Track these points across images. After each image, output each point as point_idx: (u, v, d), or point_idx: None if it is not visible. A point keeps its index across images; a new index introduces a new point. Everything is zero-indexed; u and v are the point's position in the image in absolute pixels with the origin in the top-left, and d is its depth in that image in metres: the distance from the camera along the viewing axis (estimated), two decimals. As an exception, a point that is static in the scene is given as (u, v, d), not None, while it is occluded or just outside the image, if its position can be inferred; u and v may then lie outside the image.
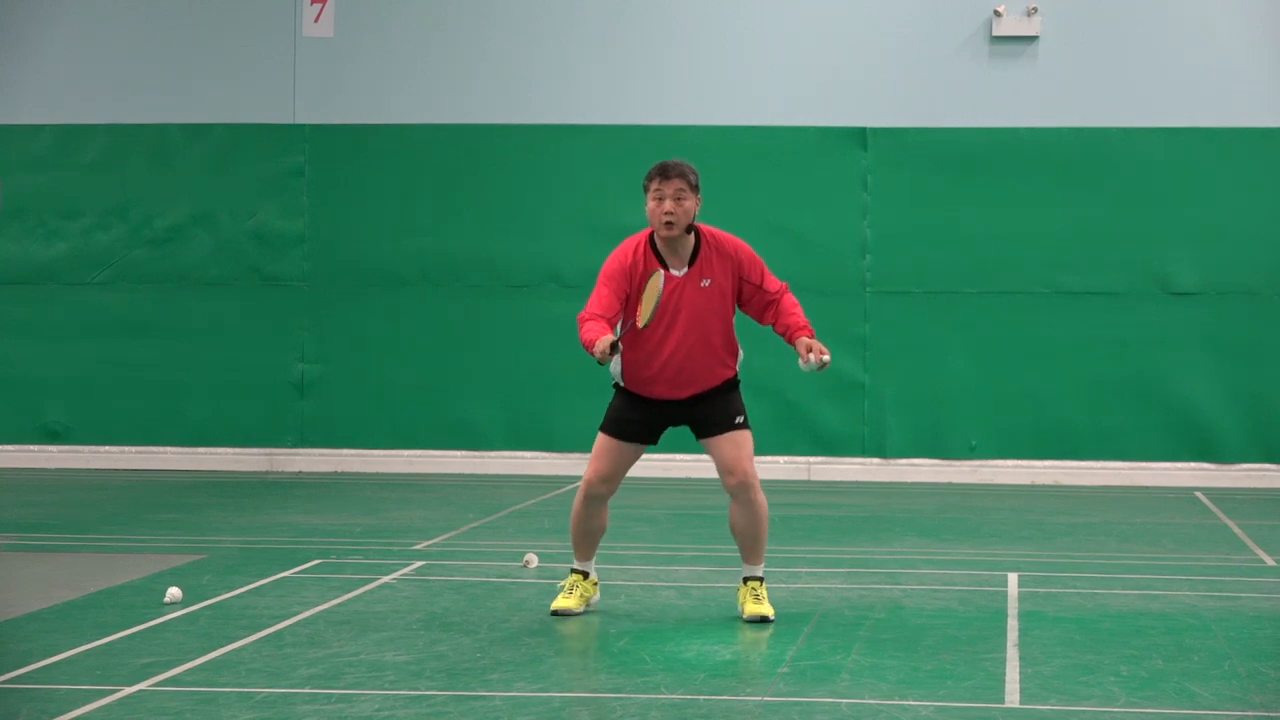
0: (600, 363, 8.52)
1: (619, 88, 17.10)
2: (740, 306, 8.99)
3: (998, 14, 16.69)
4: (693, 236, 8.87)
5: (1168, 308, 16.55)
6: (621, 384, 8.97)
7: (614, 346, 8.47)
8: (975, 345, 16.71)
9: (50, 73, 17.51)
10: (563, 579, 9.49)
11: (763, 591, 9.08)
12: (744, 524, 9.02)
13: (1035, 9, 16.66)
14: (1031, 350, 16.65)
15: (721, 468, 8.96)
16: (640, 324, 8.63)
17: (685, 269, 8.83)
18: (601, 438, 8.97)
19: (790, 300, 9.01)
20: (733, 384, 9.01)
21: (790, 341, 8.95)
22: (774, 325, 9.02)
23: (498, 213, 17.17)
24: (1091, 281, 16.62)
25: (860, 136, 16.81)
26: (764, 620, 8.96)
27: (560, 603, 9.12)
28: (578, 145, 17.11)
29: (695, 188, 8.79)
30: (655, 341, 8.79)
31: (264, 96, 17.34)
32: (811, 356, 8.73)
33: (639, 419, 8.94)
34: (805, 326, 8.95)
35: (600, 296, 8.75)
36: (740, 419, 8.95)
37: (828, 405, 16.71)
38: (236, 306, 17.35)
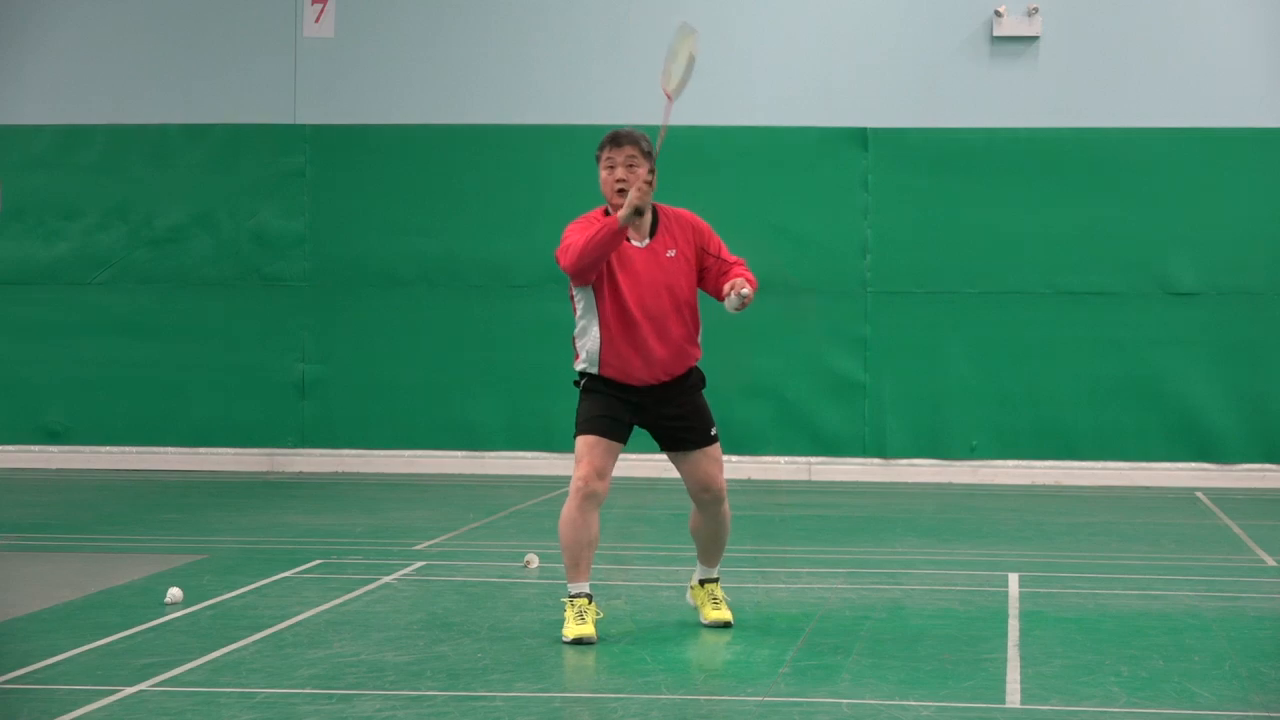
0: (624, 221, 8.30)
1: (619, 88, 17.07)
2: (699, 283, 8.70)
3: (998, 14, 16.68)
4: (649, 209, 8.62)
5: (1168, 308, 16.55)
6: (594, 372, 8.63)
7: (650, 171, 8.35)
8: (976, 345, 16.70)
9: (51, 73, 17.51)
10: (563, 602, 8.75)
11: (720, 594, 8.98)
12: (710, 531, 8.88)
13: (1036, 9, 16.66)
14: (1032, 350, 16.64)
15: (698, 484, 8.75)
16: (671, 86, 8.48)
17: (646, 240, 8.60)
18: (582, 439, 8.62)
19: (741, 266, 8.69)
20: (700, 382, 8.80)
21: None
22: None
23: (498, 213, 17.17)
24: (1092, 282, 16.62)
25: (861, 137, 16.81)
26: (726, 625, 8.85)
27: (579, 630, 8.50)
28: (578, 145, 17.07)
29: (648, 155, 8.56)
30: (633, 314, 8.51)
31: (265, 97, 17.34)
32: (733, 294, 8.41)
33: (611, 415, 8.63)
34: (739, 272, 8.61)
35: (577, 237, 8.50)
36: (714, 430, 8.79)
37: (828, 406, 16.70)
38: (237, 307, 17.35)
